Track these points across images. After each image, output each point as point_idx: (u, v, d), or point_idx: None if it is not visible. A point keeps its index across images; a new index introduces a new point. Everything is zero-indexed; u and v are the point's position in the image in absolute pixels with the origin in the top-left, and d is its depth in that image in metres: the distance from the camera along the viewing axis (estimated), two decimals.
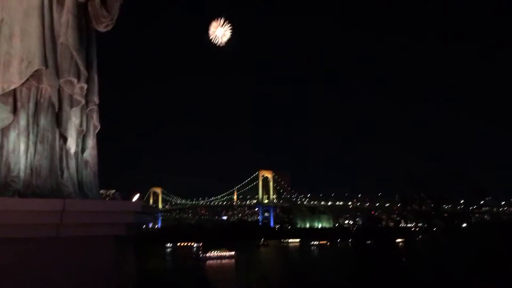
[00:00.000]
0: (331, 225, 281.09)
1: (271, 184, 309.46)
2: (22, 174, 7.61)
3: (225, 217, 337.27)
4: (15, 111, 7.78)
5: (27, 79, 7.80)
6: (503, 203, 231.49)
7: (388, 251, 33.06)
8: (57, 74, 8.10)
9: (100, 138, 9.31)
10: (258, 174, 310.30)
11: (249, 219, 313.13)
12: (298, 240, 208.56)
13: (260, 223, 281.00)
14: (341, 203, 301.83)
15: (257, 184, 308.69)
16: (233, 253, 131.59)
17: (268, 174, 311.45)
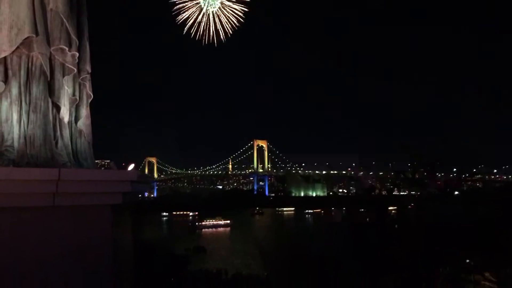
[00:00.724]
0: (325, 194, 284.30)
1: (266, 153, 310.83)
2: (16, 144, 7.57)
3: (220, 186, 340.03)
4: (6, 79, 7.67)
5: (18, 47, 7.65)
6: (495, 171, 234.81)
7: (381, 219, 33.57)
8: (48, 41, 7.95)
9: (94, 107, 9.26)
10: (253, 143, 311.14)
11: (244, 188, 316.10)
12: (292, 208, 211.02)
13: (255, 192, 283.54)
14: (335, 171, 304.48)
15: (252, 154, 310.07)
16: (228, 221, 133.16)
17: (263, 144, 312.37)
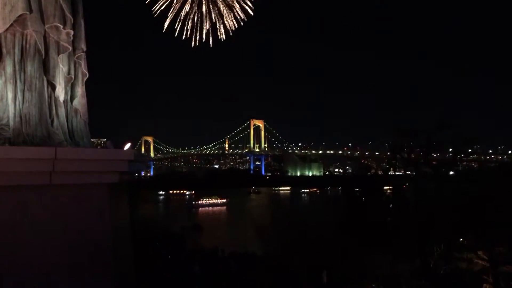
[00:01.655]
0: (322, 173, 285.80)
1: (262, 133, 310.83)
2: (11, 122, 7.54)
3: (217, 166, 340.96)
4: (0, 58, 7.59)
5: (11, 25, 7.54)
6: (490, 151, 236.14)
7: (376, 198, 33.85)
8: (42, 19, 7.83)
9: (90, 86, 9.20)
10: (249, 123, 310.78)
11: (241, 168, 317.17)
12: (289, 187, 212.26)
13: (251, 171, 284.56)
14: (331, 151, 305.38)
15: (249, 133, 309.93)
16: (224, 200, 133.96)
17: (260, 123, 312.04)
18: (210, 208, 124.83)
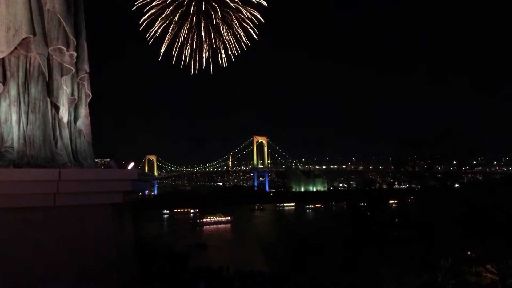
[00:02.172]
0: (326, 189, 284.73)
1: (265, 149, 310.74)
2: (16, 144, 7.58)
3: (220, 183, 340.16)
4: (4, 80, 7.66)
5: (15, 48, 7.63)
6: (495, 163, 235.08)
7: (381, 213, 33.63)
8: (46, 42, 7.93)
9: (93, 107, 9.26)
10: (252, 139, 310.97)
11: (245, 185, 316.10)
12: (293, 203, 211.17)
13: (255, 188, 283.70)
14: (335, 166, 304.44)
15: (252, 150, 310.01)
16: (229, 218, 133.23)
17: (263, 140, 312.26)
18: (215, 226, 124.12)
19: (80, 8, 8.87)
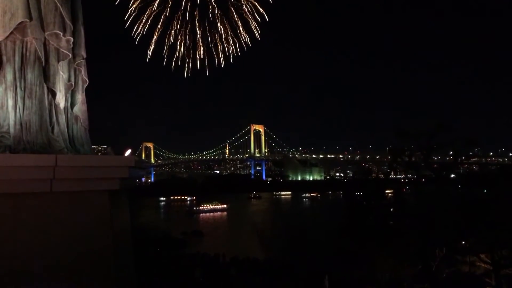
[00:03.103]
0: (323, 178, 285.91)
1: (262, 138, 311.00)
2: (12, 130, 7.54)
3: (217, 171, 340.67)
4: (0, 65, 7.61)
5: (11, 32, 7.56)
6: (491, 153, 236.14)
7: (377, 202, 33.79)
8: (42, 26, 7.85)
9: (90, 94, 9.20)
10: (249, 128, 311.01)
11: (242, 173, 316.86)
12: (289, 192, 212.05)
13: (252, 176, 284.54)
14: (332, 155, 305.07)
15: (249, 138, 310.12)
16: (225, 205, 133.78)
17: (260, 128, 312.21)
18: (211, 213, 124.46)
19: None
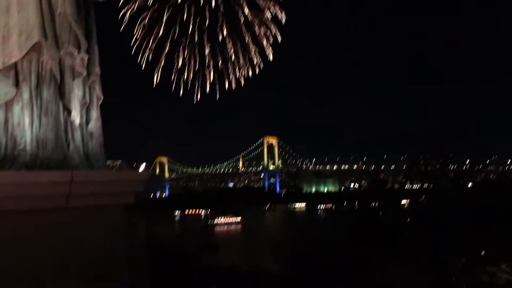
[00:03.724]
0: (337, 189, 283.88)
1: (276, 150, 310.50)
2: (28, 147, 7.67)
3: (231, 184, 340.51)
4: (17, 84, 7.76)
5: (27, 52, 7.73)
6: (509, 161, 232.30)
7: (393, 212, 33.44)
8: (57, 45, 8.02)
9: (103, 108, 9.32)
10: (263, 140, 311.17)
11: (255, 185, 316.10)
12: (304, 204, 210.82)
13: (266, 189, 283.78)
14: (346, 166, 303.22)
15: (262, 150, 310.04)
16: (240, 218, 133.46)
17: (273, 140, 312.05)
18: (226, 226, 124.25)
19: (91, 11, 8.96)
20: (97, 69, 8.89)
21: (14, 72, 7.78)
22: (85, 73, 8.51)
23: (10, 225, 6.76)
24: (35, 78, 7.88)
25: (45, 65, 7.96)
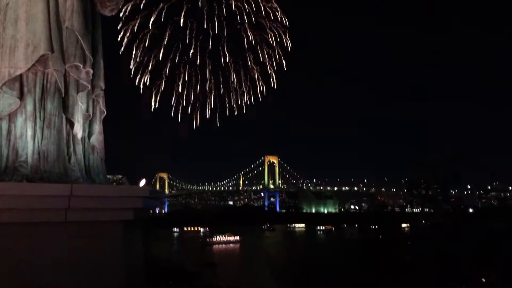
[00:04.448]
0: (337, 210, 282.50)
1: (277, 169, 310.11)
2: (30, 159, 7.65)
3: (231, 202, 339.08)
4: (21, 96, 7.78)
5: (33, 64, 7.77)
6: (510, 188, 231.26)
7: (393, 236, 33.13)
8: (63, 59, 8.06)
9: (106, 123, 9.33)
10: (264, 159, 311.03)
11: (255, 204, 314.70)
12: (303, 224, 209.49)
13: (266, 208, 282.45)
14: (347, 188, 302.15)
15: (263, 169, 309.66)
16: (238, 237, 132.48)
17: (274, 159, 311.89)
18: (225, 245, 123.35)
19: (98, 25, 9.04)
20: (101, 83, 8.93)
21: (19, 84, 7.81)
22: (89, 87, 8.54)
23: (8, 237, 6.70)
24: (39, 90, 7.90)
25: (50, 77, 7.99)
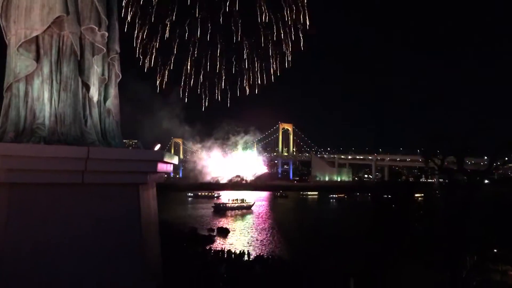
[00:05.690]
0: (351, 179, 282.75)
1: (291, 137, 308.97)
2: (47, 122, 7.73)
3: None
4: (38, 58, 7.79)
5: (49, 26, 7.74)
6: None
7: (407, 206, 33.08)
8: (78, 21, 8.02)
9: (122, 87, 9.35)
10: (278, 126, 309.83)
11: (269, 172, 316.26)
12: (316, 192, 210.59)
13: (279, 175, 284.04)
14: (361, 157, 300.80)
15: (277, 137, 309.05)
16: (251, 203, 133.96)
17: (289, 127, 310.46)
18: (237, 211, 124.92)
19: None
20: (116, 47, 8.88)
21: (35, 46, 7.81)
22: (105, 50, 8.50)
23: (28, 197, 6.85)
24: (55, 53, 7.90)
25: (66, 40, 7.97)
